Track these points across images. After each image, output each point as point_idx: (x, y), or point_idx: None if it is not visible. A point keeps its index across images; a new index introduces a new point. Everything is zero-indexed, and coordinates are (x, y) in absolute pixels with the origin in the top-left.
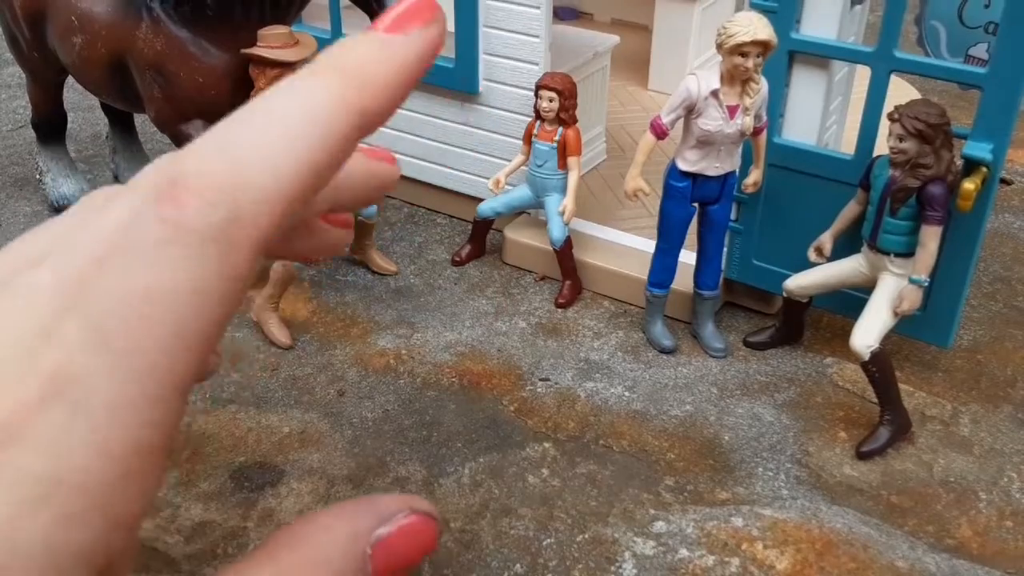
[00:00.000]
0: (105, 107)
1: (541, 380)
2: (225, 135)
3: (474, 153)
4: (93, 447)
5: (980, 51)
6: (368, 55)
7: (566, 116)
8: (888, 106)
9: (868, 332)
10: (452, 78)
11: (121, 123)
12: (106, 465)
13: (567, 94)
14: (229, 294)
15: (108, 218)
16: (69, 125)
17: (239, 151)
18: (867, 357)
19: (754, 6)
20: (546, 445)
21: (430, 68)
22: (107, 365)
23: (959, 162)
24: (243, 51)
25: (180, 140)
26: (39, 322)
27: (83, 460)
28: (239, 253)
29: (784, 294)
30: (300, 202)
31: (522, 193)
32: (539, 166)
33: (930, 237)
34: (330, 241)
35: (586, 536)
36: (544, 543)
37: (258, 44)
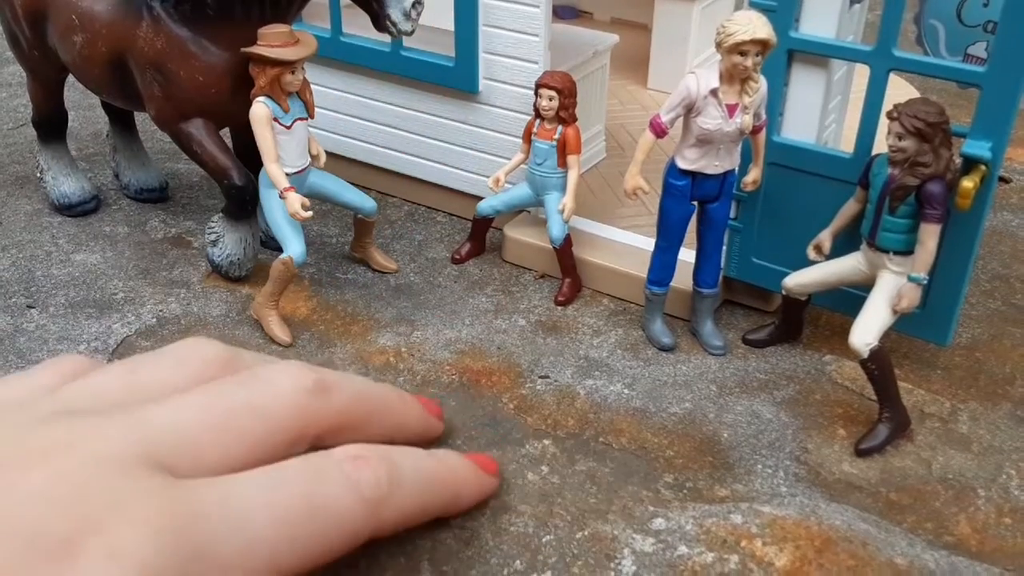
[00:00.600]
0: (106, 106)
1: (540, 377)
2: (390, 451)
3: (474, 151)
4: None
5: (979, 50)
6: (473, 480)
7: (566, 115)
8: (887, 105)
9: (867, 330)
10: (452, 77)
11: (121, 122)
12: None
13: (567, 93)
14: (350, 544)
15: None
16: (70, 124)
17: (407, 464)
18: (866, 355)
19: (753, 5)
20: (545, 442)
21: (478, 502)
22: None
23: (958, 160)
24: (243, 50)
25: (180, 139)
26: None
27: None
28: (372, 523)
29: (783, 292)
30: (413, 519)
31: (522, 191)
32: (539, 164)
33: (929, 235)
34: None
35: (585, 533)
36: (543, 540)
37: (258, 43)
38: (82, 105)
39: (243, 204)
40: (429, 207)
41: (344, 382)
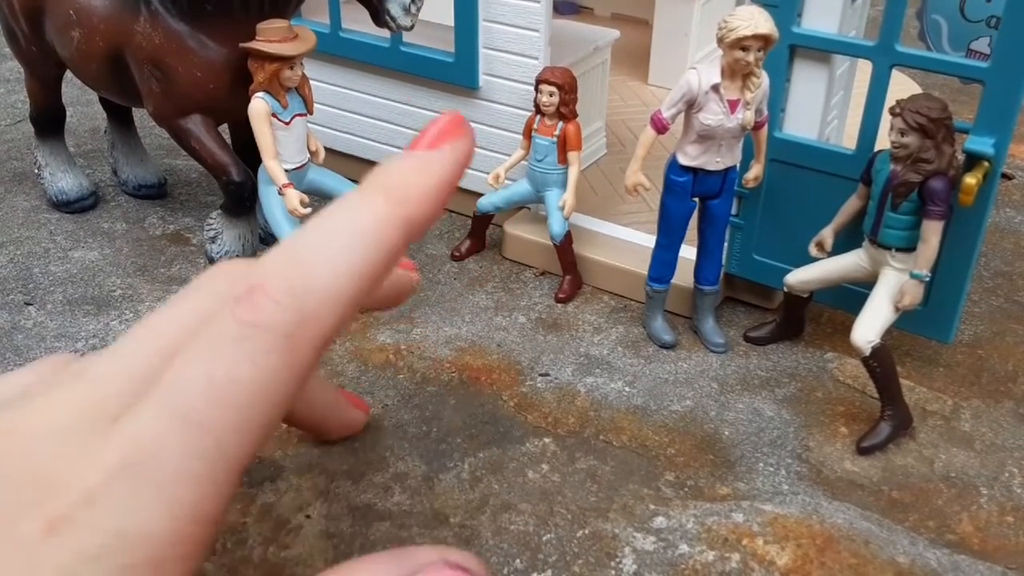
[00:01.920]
0: (103, 102)
1: (541, 375)
2: (293, 248)
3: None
4: (157, 511)
5: (982, 45)
6: (409, 174)
7: (566, 111)
8: (889, 100)
9: (869, 327)
10: (451, 72)
11: (119, 118)
12: (166, 527)
13: (567, 88)
14: (293, 385)
15: (172, 320)
16: (67, 120)
17: (306, 262)
18: (868, 352)
19: (755, 0)
20: (546, 440)
21: (463, 174)
22: (180, 442)
23: (961, 157)
24: (242, 45)
25: (178, 135)
26: (105, 405)
27: (147, 522)
28: (306, 349)
29: (785, 289)
30: (356, 304)
31: (522, 188)
32: (539, 161)
33: (931, 232)
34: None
35: (586, 531)
36: (544, 538)
37: (257, 38)
38: (80, 101)
39: (242, 200)
40: None
41: None
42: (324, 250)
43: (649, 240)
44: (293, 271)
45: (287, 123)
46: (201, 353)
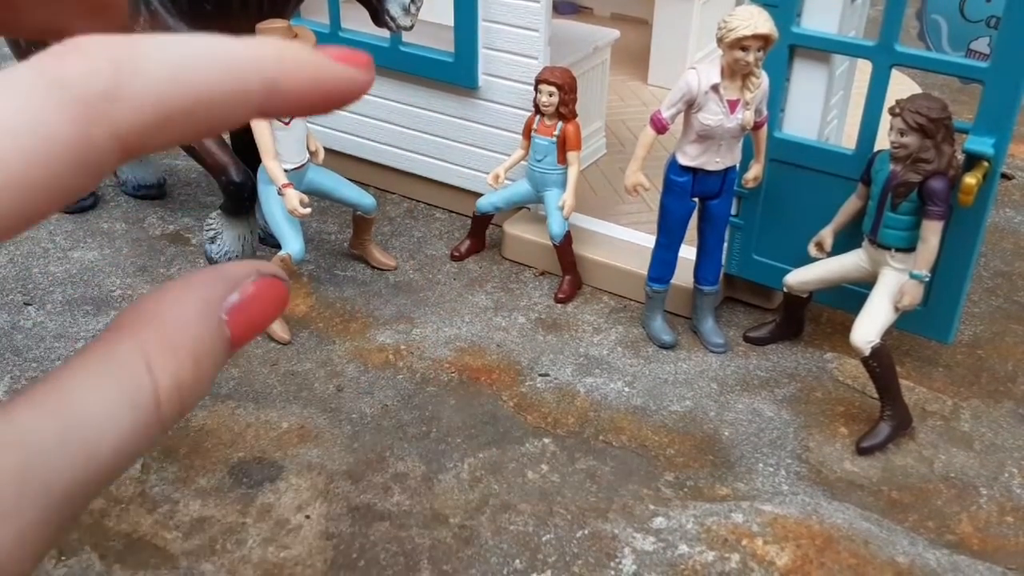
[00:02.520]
0: None
1: (540, 375)
2: (152, 38)
3: (473, 148)
4: None
5: (981, 45)
6: (304, 52)
7: (566, 111)
8: (889, 100)
9: (869, 327)
10: (451, 72)
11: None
12: None
13: (567, 88)
14: (76, 170)
15: None
16: None
17: (147, 45)
18: (868, 352)
19: (755, 0)
20: (545, 441)
21: (336, 103)
22: None
23: (960, 157)
24: None
25: None
26: None
27: None
28: (100, 132)
29: (784, 289)
30: (180, 124)
31: (521, 188)
32: (539, 161)
33: (931, 232)
34: None
35: (586, 532)
36: (544, 539)
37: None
38: None
39: (241, 201)
40: (428, 204)
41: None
42: (178, 47)
43: (649, 240)
44: (124, 49)
45: (287, 123)
46: None
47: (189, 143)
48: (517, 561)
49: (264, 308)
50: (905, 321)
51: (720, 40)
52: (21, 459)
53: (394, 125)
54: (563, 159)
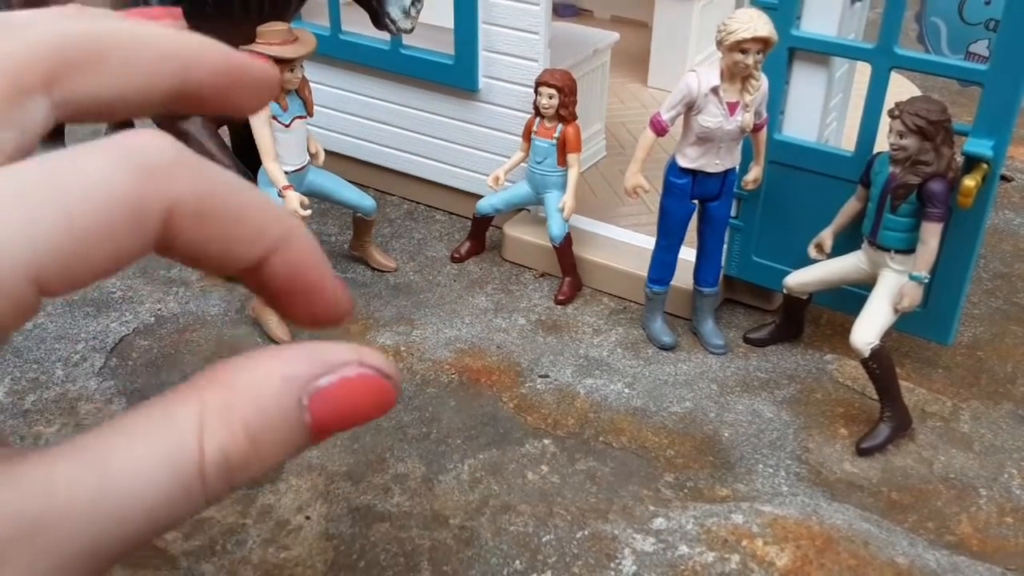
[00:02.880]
0: None
1: (540, 377)
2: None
3: (473, 150)
4: None
5: (981, 48)
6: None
7: (566, 113)
8: (888, 103)
9: (868, 329)
10: (451, 75)
11: (119, 121)
12: None
13: (567, 91)
14: (129, 226)
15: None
16: (68, 123)
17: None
18: (867, 354)
19: (755, 3)
20: (545, 442)
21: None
22: None
23: (960, 159)
24: (242, 48)
25: (178, 137)
26: None
27: None
28: (153, 196)
29: (784, 291)
30: (214, 220)
31: (522, 190)
32: (539, 163)
33: (931, 234)
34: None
35: (585, 533)
36: (543, 540)
37: (257, 41)
38: None
39: None
40: (428, 205)
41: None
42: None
43: (648, 242)
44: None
45: (287, 125)
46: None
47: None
48: (517, 562)
49: (357, 403)
50: (905, 323)
51: (720, 43)
52: (40, 509)
53: (394, 127)
54: (563, 161)
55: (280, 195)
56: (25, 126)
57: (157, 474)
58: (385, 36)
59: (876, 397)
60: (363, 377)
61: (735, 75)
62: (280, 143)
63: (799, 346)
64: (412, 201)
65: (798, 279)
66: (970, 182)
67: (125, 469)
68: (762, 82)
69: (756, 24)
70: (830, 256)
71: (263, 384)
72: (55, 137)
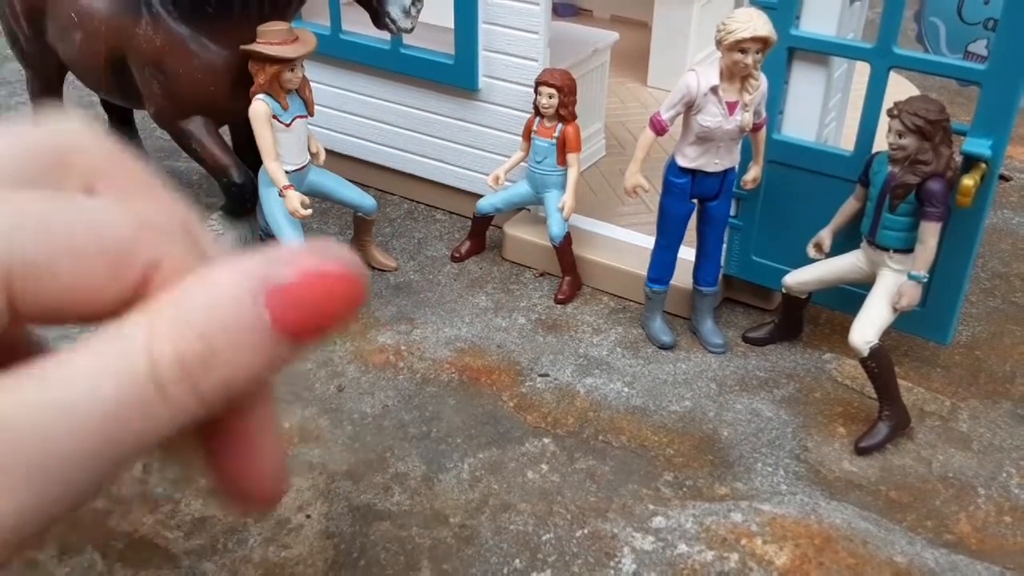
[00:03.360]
0: (104, 103)
1: (540, 376)
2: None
3: (473, 149)
4: None
5: (979, 47)
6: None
7: (565, 112)
8: (887, 102)
9: (867, 328)
10: (452, 74)
11: (120, 119)
12: None
13: (567, 90)
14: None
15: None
16: None
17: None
18: (866, 353)
19: (754, 3)
20: (545, 441)
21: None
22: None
23: (958, 158)
24: (242, 47)
25: (179, 137)
26: None
27: None
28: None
29: (783, 290)
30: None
31: (521, 189)
32: (538, 162)
33: (929, 233)
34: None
35: (585, 531)
36: (543, 538)
37: (257, 40)
38: (81, 103)
39: (242, 202)
40: (429, 205)
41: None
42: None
43: (648, 241)
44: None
45: (288, 125)
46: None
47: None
48: (517, 560)
49: (321, 298)
50: (903, 322)
51: (719, 42)
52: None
53: (395, 127)
54: (563, 161)
55: (281, 195)
56: None
57: (102, 383)
58: (385, 36)
59: (875, 396)
60: (324, 272)
61: (734, 75)
62: (281, 142)
63: (798, 345)
64: (412, 200)
65: (797, 278)
66: (969, 181)
67: (67, 379)
68: (761, 82)
69: (755, 24)
70: (829, 255)
71: (214, 286)
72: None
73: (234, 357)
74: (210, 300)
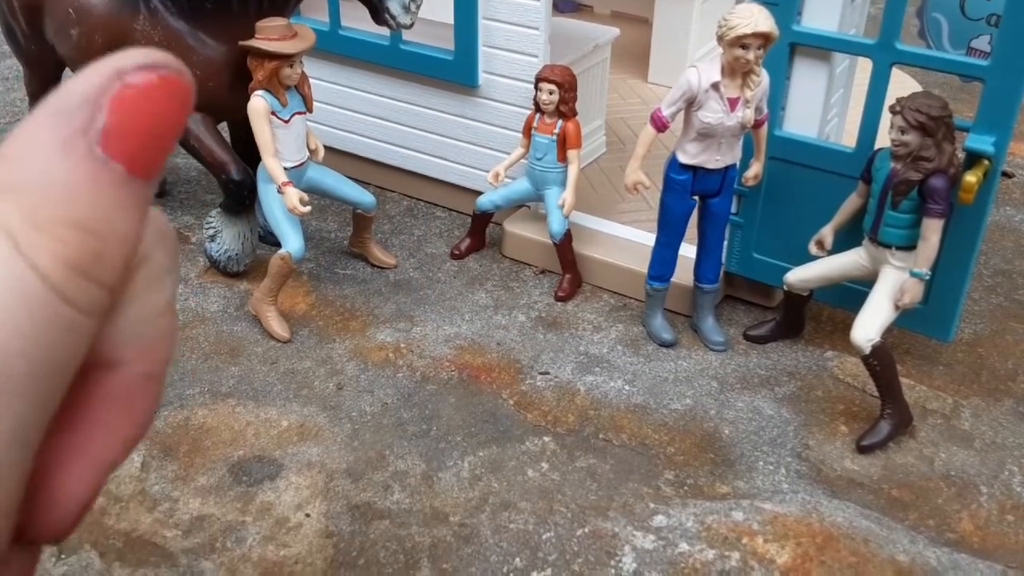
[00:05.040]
0: None
1: (540, 374)
2: None
3: (473, 146)
4: None
5: (982, 43)
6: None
7: (566, 109)
8: (889, 99)
9: (869, 326)
10: (452, 71)
11: None
12: None
13: (567, 87)
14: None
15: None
16: None
17: None
18: (868, 351)
19: None
20: (545, 439)
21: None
22: None
23: (961, 155)
24: (241, 43)
25: None
26: None
27: None
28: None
29: (784, 287)
30: None
31: (522, 186)
32: (539, 159)
33: (931, 230)
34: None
35: (586, 530)
36: (544, 537)
37: (256, 36)
38: None
39: (241, 199)
40: (428, 202)
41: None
42: None
43: (649, 238)
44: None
45: (286, 121)
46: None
47: None
48: (517, 559)
49: (152, 111)
50: (905, 319)
51: (720, 38)
52: None
53: (394, 123)
54: (563, 157)
55: (279, 191)
56: None
57: (7, 313)
58: (385, 32)
59: (877, 394)
60: (138, 87)
61: (736, 71)
62: (279, 139)
63: (799, 343)
64: (412, 197)
65: (799, 276)
66: (971, 178)
67: None
68: (763, 78)
69: (757, 19)
70: (831, 253)
71: (51, 165)
72: None
73: (117, 227)
74: (55, 184)
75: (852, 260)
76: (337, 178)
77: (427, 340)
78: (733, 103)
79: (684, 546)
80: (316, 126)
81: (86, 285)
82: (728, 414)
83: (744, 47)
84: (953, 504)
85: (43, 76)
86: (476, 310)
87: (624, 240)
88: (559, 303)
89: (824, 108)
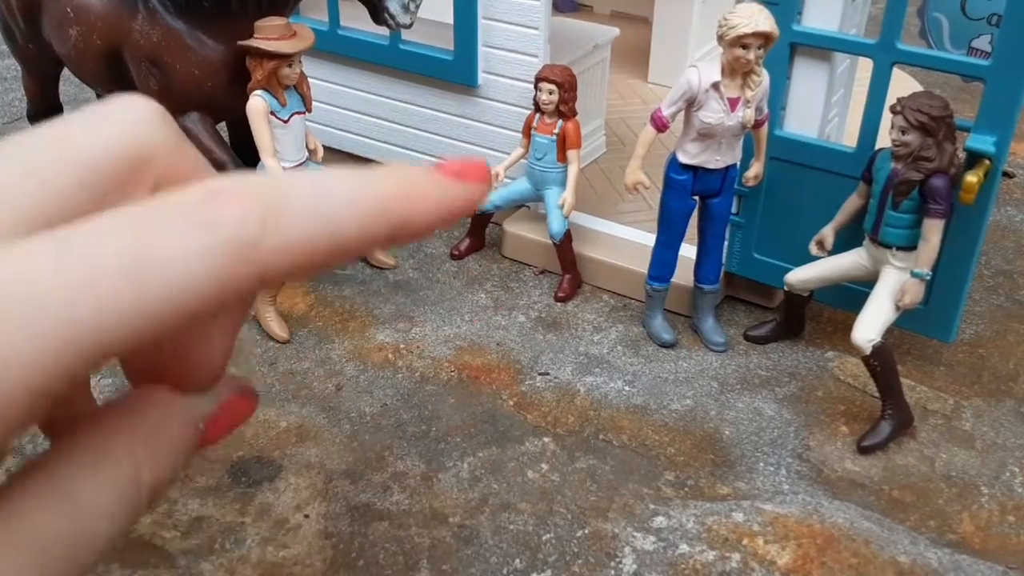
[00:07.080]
0: (100, 99)
1: (540, 374)
2: (296, 182)
3: (473, 146)
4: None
5: (983, 43)
6: (428, 184)
7: (566, 109)
8: (890, 98)
9: (870, 326)
10: (451, 70)
11: None
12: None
13: (567, 87)
14: (212, 306)
15: (104, 152)
16: None
17: (291, 192)
18: (869, 351)
19: None
20: (545, 440)
21: (454, 221)
22: (67, 297)
23: (962, 155)
24: (240, 43)
25: None
26: None
27: None
28: (243, 271)
29: (785, 288)
30: (314, 264)
31: (521, 186)
32: (538, 159)
33: (932, 230)
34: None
35: (586, 531)
36: (543, 538)
37: (255, 36)
38: (78, 99)
39: None
40: None
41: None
42: (313, 199)
43: (649, 239)
44: (271, 195)
45: (285, 121)
46: (137, 219)
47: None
48: (517, 560)
49: (233, 419)
50: (906, 320)
51: (720, 38)
52: (30, 560)
53: (393, 123)
54: (563, 157)
55: None
56: None
57: (116, 511)
58: (384, 31)
59: (877, 395)
60: (236, 400)
61: (736, 71)
62: (278, 139)
63: (800, 343)
64: None
65: (799, 276)
66: (972, 178)
67: (89, 513)
68: (763, 78)
69: (757, 19)
70: (831, 253)
71: (173, 425)
72: None
73: (180, 470)
74: (172, 438)
75: (853, 260)
76: None
77: (426, 341)
78: (733, 103)
79: (684, 547)
80: (315, 126)
81: (154, 500)
82: (728, 415)
83: (744, 47)
84: (954, 505)
85: (41, 76)
86: (476, 310)
87: (624, 240)
88: (559, 303)
89: (825, 108)
